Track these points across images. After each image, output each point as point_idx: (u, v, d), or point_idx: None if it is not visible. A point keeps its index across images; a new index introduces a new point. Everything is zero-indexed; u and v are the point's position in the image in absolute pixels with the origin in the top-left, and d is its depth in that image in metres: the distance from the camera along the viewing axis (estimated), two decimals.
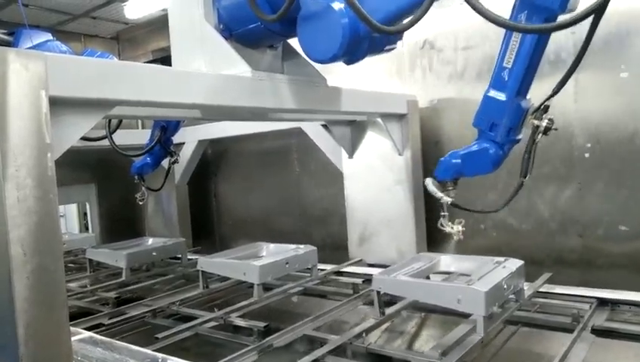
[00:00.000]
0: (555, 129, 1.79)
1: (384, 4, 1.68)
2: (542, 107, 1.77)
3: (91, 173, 4.42)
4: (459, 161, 1.96)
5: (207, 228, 4.61)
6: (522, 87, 1.77)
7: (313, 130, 3.45)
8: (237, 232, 4.58)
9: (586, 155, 2.67)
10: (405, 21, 1.61)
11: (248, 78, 1.81)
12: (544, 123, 1.76)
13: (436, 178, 2.03)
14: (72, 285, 3.17)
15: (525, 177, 1.88)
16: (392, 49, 2.06)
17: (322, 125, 3.33)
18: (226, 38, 1.92)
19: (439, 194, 2.00)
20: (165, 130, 3.25)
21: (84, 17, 4.31)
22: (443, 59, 3.11)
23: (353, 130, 3.18)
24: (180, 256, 3.59)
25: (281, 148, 4.17)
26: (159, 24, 4.52)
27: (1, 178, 1.15)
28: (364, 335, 1.98)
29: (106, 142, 3.08)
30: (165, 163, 3.59)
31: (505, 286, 1.97)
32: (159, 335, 2.04)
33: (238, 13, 1.92)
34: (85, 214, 4.79)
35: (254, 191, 4.44)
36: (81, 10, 4.18)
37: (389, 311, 2.16)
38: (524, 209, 2.88)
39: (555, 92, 1.76)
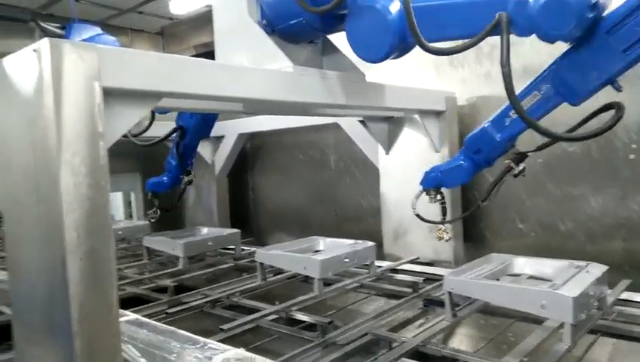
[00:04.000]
0: (524, 175, 2.04)
1: (441, 30, 1.71)
2: (523, 154, 2.01)
3: (136, 162, 4.57)
4: (439, 174, 2.26)
5: (244, 220, 4.70)
6: (516, 135, 1.96)
7: (350, 125, 3.47)
8: (273, 225, 4.66)
9: (631, 157, 2.59)
10: (455, 45, 1.63)
11: (290, 72, 1.84)
12: (517, 170, 2.02)
13: (422, 187, 2.32)
14: (128, 272, 3.24)
15: (483, 202, 2.18)
16: None
17: (359, 121, 3.34)
18: (268, 34, 1.96)
19: (413, 204, 2.32)
20: (183, 134, 3.16)
21: (131, 12, 4.47)
22: (483, 56, 3.06)
23: (390, 126, 3.18)
24: (233, 246, 3.62)
25: (317, 142, 4.21)
26: (202, 20, 4.64)
27: (58, 164, 1.21)
28: (437, 337, 1.94)
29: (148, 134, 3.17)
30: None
31: (591, 293, 1.88)
32: (224, 327, 2.04)
33: (281, 9, 1.95)
34: (130, 203, 4.95)
35: (290, 185, 4.50)
36: (129, 5, 4.33)
37: (460, 313, 2.10)
38: (566, 210, 2.81)
39: (540, 149, 2.00)
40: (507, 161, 2.03)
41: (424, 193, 2.33)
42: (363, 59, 1.87)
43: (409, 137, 3.11)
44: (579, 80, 1.63)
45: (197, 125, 3.13)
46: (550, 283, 1.93)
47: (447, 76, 3.22)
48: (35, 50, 1.23)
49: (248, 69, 1.80)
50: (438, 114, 2.88)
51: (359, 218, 3.95)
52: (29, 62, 1.26)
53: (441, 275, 2.68)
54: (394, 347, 1.87)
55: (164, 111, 2.59)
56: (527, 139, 2.00)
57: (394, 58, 1.87)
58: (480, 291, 2.03)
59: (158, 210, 3.57)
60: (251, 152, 4.79)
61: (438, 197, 2.34)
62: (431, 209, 2.40)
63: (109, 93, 1.31)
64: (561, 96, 1.71)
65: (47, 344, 1.34)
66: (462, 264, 3.03)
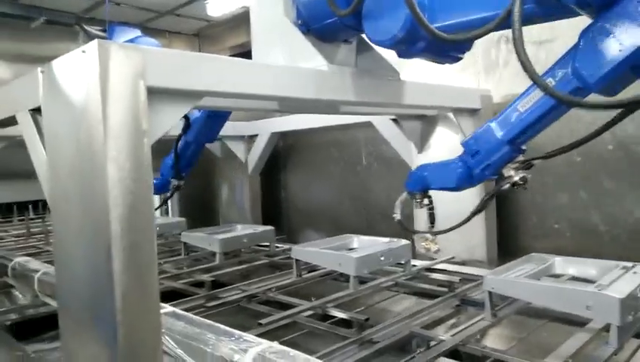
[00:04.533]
0: (525, 188, 1.79)
1: (455, 15, 1.62)
2: (526, 162, 1.78)
3: None
4: (425, 173, 2.05)
5: (275, 217, 4.75)
6: (521, 137, 1.74)
7: (383, 124, 3.46)
8: (304, 223, 4.69)
9: None
10: (470, 34, 1.52)
11: (326, 71, 1.86)
12: (517, 178, 1.77)
13: (406, 189, 2.12)
14: (166, 266, 3.32)
15: (476, 214, 1.98)
16: (459, 58, 1.97)
17: (392, 119, 3.33)
18: (304, 33, 1.99)
19: (396, 211, 2.15)
20: (186, 127, 3.07)
21: (169, 15, 4.58)
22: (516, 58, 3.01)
23: (423, 124, 3.16)
24: (267, 243, 3.68)
25: (349, 141, 4.22)
26: (237, 21, 4.72)
27: (104, 160, 1.26)
28: (478, 337, 1.91)
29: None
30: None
31: (638, 295, 1.82)
32: (262, 321, 2.08)
33: (317, 9, 1.97)
34: (166, 200, 5.08)
35: (321, 184, 4.53)
36: (167, 8, 4.44)
37: (500, 313, 2.07)
38: (604, 209, 2.74)
39: (548, 157, 1.77)
40: (508, 168, 1.79)
41: (409, 197, 2.12)
42: (377, 43, 1.82)
43: (442, 136, 3.09)
44: (598, 59, 1.39)
45: (201, 122, 3.04)
46: (596, 284, 1.88)
47: (482, 74, 3.18)
48: (84, 52, 1.29)
49: (286, 67, 1.83)
50: (473, 112, 2.85)
51: (389, 217, 3.93)
52: (78, 63, 1.32)
53: (477, 275, 2.66)
54: (432, 346, 1.85)
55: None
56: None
57: (403, 51, 1.80)
58: (522, 291, 1.98)
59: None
60: (283, 151, 4.84)
61: (425, 201, 2.13)
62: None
63: (153, 92, 1.35)
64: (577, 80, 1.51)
65: (92, 333, 1.40)
66: (495, 264, 3.01)
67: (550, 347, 1.79)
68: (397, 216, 2.16)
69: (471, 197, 2.96)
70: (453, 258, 3.05)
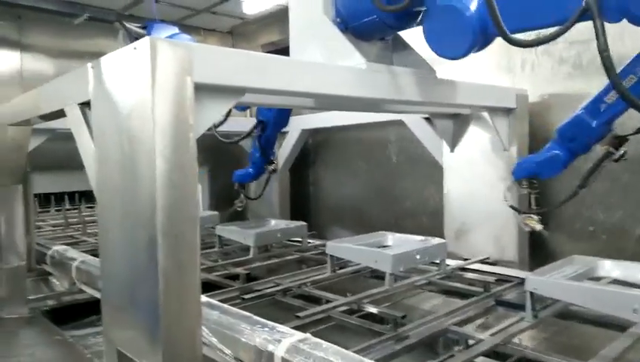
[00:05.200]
0: (625, 159, 1.98)
1: (524, 19, 1.68)
2: (622, 138, 1.95)
3: (204, 157, 4.76)
4: (533, 164, 2.28)
5: (303, 214, 4.78)
6: (612, 120, 1.95)
7: (414, 122, 3.46)
8: (331, 219, 4.72)
9: None
10: (541, 36, 1.59)
11: (364, 69, 1.88)
12: (618, 154, 1.96)
13: (513, 177, 2.36)
14: (200, 259, 3.41)
15: (581, 188, 2.13)
16: None
17: (424, 118, 3.33)
18: (342, 31, 2.01)
19: (506, 197, 2.40)
20: (264, 128, 3.39)
21: (205, 12, 4.66)
22: (556, 53, 2.97)
23: (456, 123, 3.15)
24: (300, 239, 3.74)
25: (378, 139, 4.22)
26: (270, 19, 4.76)
27: (153, 154, 1.30)
28: (520, 338, 1.90)
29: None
30: None
31: None
32: (300, 314, 2.12)
33: (355, 7, 2.00)
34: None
35: (350, 181, 4.54)
36: (204, 6, 4.52)
37: (541, 314, 2.06)
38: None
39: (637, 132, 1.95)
40: (605, 147, 2.01)
41: (516, 184, 2.37)
42: (444, 57, 1.87)
43: (475, 135, 3.07)
44: None
45: (276, 118, 3.33)
46: None
47: (518, 73, 3.15)
48: (135, 48, 1.34)
49: (325, 65, 1.85)
50: (508, 111, 2.83)
51: (418, 215, 3.94)
52: (129, 60, 1.37)
53: (512, 276, 2.65)
54: (471, 345, 1.84)
55: (243, 108, 2.76)
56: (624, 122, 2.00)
57: (475, 52, 1.86)
58: (566, 293, 1.97)
59: (245, 199, 3.88)
60: (313, 148, 4.87)
61: (528, 187, 2.35)
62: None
63: (199, 88, 1.39)
64: None
65: (133, 320, 1.45)
66: (526, 265, 2.98)
67: (592, 350, 1.76)
68: (508, 201, 2.45)
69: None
70: (487, 258, 3.02)
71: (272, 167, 3.66)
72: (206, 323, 1.66)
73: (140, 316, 1.42)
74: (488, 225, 3.04)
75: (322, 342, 1.46)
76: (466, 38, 1.75)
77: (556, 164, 2.17)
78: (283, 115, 3.38)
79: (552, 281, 2.01)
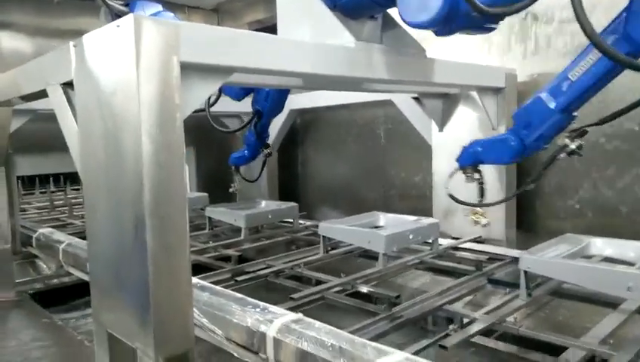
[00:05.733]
0: (580, 155, 1.82)
1: None
2: (580, 130, 1.80)
3: (190, 136, 4.70)
4: (479, 148, 2.09)
5: (292, 194, 4.79)
6: (574, 104, 1.77)
7: (404, 102, 3.45)
8: (321, 200, 4.72)
9: None
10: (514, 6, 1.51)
11: (353, 48, 1.86)
12: (573, 145, 1.79)
13: (458, 164, 2.17)
14: (190, 241, 3.37)
15: (532, 183, 2.00)
16: (492, 29, 1.92)
17: (413, 97, 3.32)
18: (330, 9, 1.97)
19: (446, 185, 2.20)
20: (260, 116, 3.40)
21: None
22: (546, 32, 2.96)
23: (445, 102, 3.14)
24: (291, 219, 3.73)
25: (368, 119, 4.21)
26: None
27: (139, 134, 1.28)
28: (515, 317, 1.90)
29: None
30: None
31: None
32: (294, 296, 2.12)
33: None
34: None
35: (339, 161, 4.53)
36: None
37: (535, 293, 2.07)
38: (628, 189, 2.72)
39: (601, 123, 1.78)
40: (563, 135, 1.85)
41: (459, 172, 2.18)
42: (409, 24, 1.77)
43: (464, 114, 3.07)
44: None
45: (271, 107, 3.33)
46: (638, 266, 1.89)
47: (507, 52, 3.14)
48: (118, 26, 1.30)
49: (315, 44, 1.81)
50: (496, 91, 2.83)
51: (408, 195, 3.95)
52: (112, 38, 1.33)
53: (503, 255, 2.68)
54: (466, 324, 1.85)
55: (238, 95, 2.74)
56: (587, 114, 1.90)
57: (439, 31, 1.77)
58: (560, 271, 1.97)
59: (239, 181, 3.91)
60: (301, 128, 4.84)
61: (476, 176, 2.20)
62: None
63: (185, 67, 1.36)
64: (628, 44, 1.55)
65: (123, 303, 1.44)
66: (514, 243, 3.02)
67: (585, 327, 1.79)
68: (447, 189, 2.23)
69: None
70: (479, 237, 3.04)
71: (267, 150, 3.66)
72: (196, 305, 1.67)
73: (129, 298, 1.41)
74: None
75: (314, 321, 1.47)
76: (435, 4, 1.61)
77: (504, 151, 1.96)
78: (280, 103, 3.36)
79: (546, 260, 2.02)
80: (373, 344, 1.29)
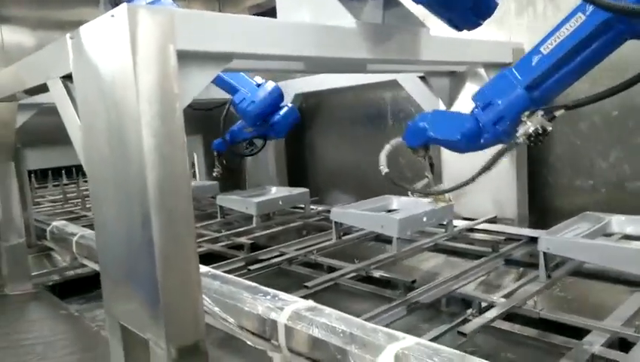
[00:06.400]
0: (541, 141, 1.54)
1: None
2: (549, 113, 1.53)
3: (198, 125, 4.72)
4: (425, 124, 1.84)
5: (301, 179, 4.77)
6: (545, 85, 1.51)
7: (409, 81, 3.38)
8: (330, 184, 4.70)
9: None
10: None
11: (353, 28, 1.81)
12: (532, 128, 1.50)
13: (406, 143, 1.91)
14: (203, 229, 3.38)
15: (484, 172, 1.79)
16: (478, 24, 1.85)
17: (419, 77, 3.25)
18: None
19: (381, 163, 1.94)
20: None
21: None
22: (555, 4, 2.87)
23: (452, 81, 3.08)
24: (303, 205, 3.72)
25: (374, 101, 4.15)
26: None
27: (139, 126, 1.26)
28: (535, 300, 1.82)
29: (212, 97, 3.33)
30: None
31: None
32: (308, 284, 2.10)
33: None
34: (193, 163, 5.15)
35: (347, 144, 4.49)
36: None
37: (554, 274, 2.01)
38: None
39: (573, 107, 1.53)
40: (525, 118, 1.56)
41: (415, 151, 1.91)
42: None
43: (471, 92, 2.98)
44: None
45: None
46: None
47: (514, 26, 3.06)
48: (112, 16, 1.28)
49: (313, 26, 1.77)
50: (504, 66, 2.75)
51: (416, 176, 3.90)
52: (107, 28, 1.31)
53: (519, 235, 2.63)
54: (485, 307, 1.81)
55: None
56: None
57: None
58: (580, 251, 1.89)
59: (220, 167, 3.95)
60: (307, 112, 4.79)
61: (424, 156, 1.99)
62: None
63: (183, 56, 1.34)
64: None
65: (133, 291, 1.45)
66: (526, 222, 2.98)
67: (609, 307, 1.74)
68: (384, 168, 2.02)
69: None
70: (494, 217, 2.98)
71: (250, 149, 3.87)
72: (208, 293, 1.67)
73: (139, 290, 1.42)
74: (487, 185, 3.01)
75: (325, 308, 1.47)
76: None
77: (452, 128, 1.71)
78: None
79: (566, 240, 1.95)
80: (385, 329, 1.28)
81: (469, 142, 1.71)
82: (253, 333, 1.58)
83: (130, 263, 1.44)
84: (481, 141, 1.70)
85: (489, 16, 1.83)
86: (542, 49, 1.52)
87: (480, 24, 1.83)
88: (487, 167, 1.83)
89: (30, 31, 4.19)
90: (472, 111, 1.71)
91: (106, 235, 1.56)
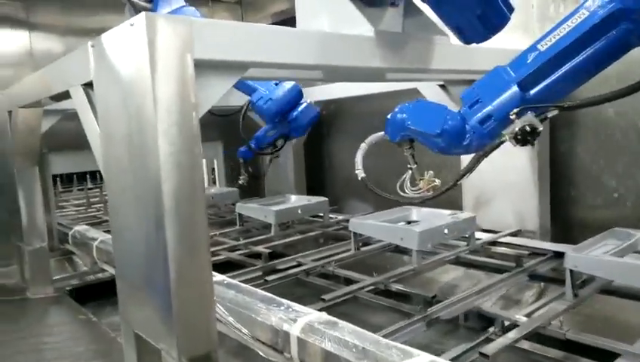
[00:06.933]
0: (530, 142, 1.43)
1: None
2: (540, 112, 1.43)
3: (219, 131, 4.75)
4: (404, 115, 1.72)
5: (320, 187, 4.75)
6: (540, 86, 1.42)
7: (429, 90, 3.34)
8: (348, 193, 4.67)
9: None
10: None
11: (372, 37, 1.80)
12: (520, 125, 1.39)
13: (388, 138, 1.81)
14: (221, 238, 3.38)
15: (465, 175, 1.68)
16: (485, 38, 1.80)
17: (439, 85, 3.21)
18: None
19: (358, 167, 1.82)
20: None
21: None
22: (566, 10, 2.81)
23: None
24: (321, 214, 3.69)
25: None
26: None
27: (156, 134, 1.27)
28: (561, 320, 1.75)
29: (231, 103, 3.35)
30: None
31: None
32: (325, 297, 2.06)
33: None
34: (213, 170, 5.19)
35: (366, 153, 4.45)
36: None
37: (581, 292, 1.93)
38: None
39: (568, 108, 1.43)
40: (512, 116, 1.44)
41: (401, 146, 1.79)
42: None
43: None
44: None
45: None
46: None
47: (537, 34, 3.00)
48: (132, 25, 1.29)
49: (331, 35, 1.76)
50: None
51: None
52: (126, 37, 1.32)
53: (544, 249, 2.54)
54: (508, 326, 1.75)
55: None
56: None
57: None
58: (609, 270, 1.81)
59: (246, 175, 3.97)
60: (327, 120, 4.79)
61: (413, 151, 1.87)
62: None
63: (200, 65, 1.34)
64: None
65: (147, 300, 1.45)
66: (548, 235, 2.90)
67: (632, 328, 1.70)
68: (360, 172, 1.89)
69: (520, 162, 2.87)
70: (519, 230, 2.90)
71: (276, 153, 3.93)
72: (222, 303, 1.67)
73: (153, 299, 1.42)
74: (508, 195, 2.96)
75: (339, 321, 1.44)
76: None
77: (433, 120, 1.59)
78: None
79: (595, 258, 1.87)
80: (399, 345, 1.25)
81: (451, 140, 1.60)
82: (265, 344, 1.56)
83: (145, 271, 1.45)
84: (465, 142, 1.59)
85: (500, 29, 1.75)
86: (539, 46, 1.44)
87: (490, 37, 1.76)
88: (469, 169, 1.73)
89: (58, 37, 4.29)
90: (460, 110, 1.61)
91: (122, 242, 1.57)
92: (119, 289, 1.62)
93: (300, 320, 1.48)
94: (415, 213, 2.89)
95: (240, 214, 3.64)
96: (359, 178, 1.98)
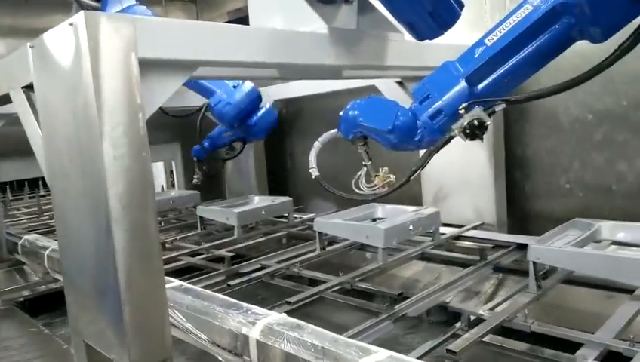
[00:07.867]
0: (479, 136, 1.45)
1: None
2: (488, 106, 1.44)
3: (176, 132, 4.65)
4: (356, 111, 1.73)
5: (282, 186, 4.73)
6: (488, 81, 1.44)
7: (387, 87, 3.37)
8: (312, 192, 4.66)
9: None
10: None
11: (325, 34, 1.79)
12: (468, 120, 1.40)
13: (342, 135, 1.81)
14: (183, 242, 3.28)
15: (417, 171, 1.68)
16: (438, 33, 1.83)
17: (397, 82, 3.24)
18: None
19: (312, 165, 1.89)
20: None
21: None
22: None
23: None
24: (286, 214, 3.62)
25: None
26: None
27: (100, 137, 1.21)
28: (526, 312, 1.76)
29: (189, 104, 3.28)
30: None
31: None
32: (291, 300, 2.02)
33: None
34: (172, 172, 5.07)
35: (328, 151, 4.44)
36: None
37: (545, 284, 1.93)
38: (618, 168, 2.67)
39: (514, 102, 1.47)
40: (461, 109, 1.45)
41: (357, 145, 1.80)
42: None
43: None
44: None
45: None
46: None
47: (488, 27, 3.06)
48: (71, 24, 1.23)
49: (283, 32, 1.74)
50: None
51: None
52: (67, 37, 1.26)
53: (508, 241, 2.57)
54: (473, 321, 1.76)
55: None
56: None
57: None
58: (571, 261, 1.83)
59: (200, 174, 3.89)
60: (288, 118, 4.76)
61: (367, 148, 1.86)
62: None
63: (146, 64, 1.30)
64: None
65: (98, 310, 1.39)
66: (505, 227, 2.97)
67: (602, 316, 1.68)
68: (314, 171, 1.93)
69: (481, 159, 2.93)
70: (482, 224, 2.93)
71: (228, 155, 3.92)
72: (180, 308, 1.62)
73: (103, 307, 1.36)
74: (466, 189, 3.01)
75: (297, 321, 1.42)
76: None
77: (384, 116, 1.59)
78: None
79: (557, 249, 1.89)
80: (358, 343, 1.25)
81: (402, 136, 1.61)
82: (225, 349, 1.53)
83: (94, 280, 1.39)
84: (416, 138, 1.61)
85: (451, 25, 1.79)
86: (486, 40, 1.46)
87: (441, 33, 1.79)
88: (421, 165, 1.73)
89: (1, 39, 4.09)
90: (411, 106, 1.62)
91: (70, 251, 1.51)
92: (68, 299, 1.55)
93: (259, 322, 1.45)
94: (380, 210, 2.89)
95: (201, 217, 3.57)
96: (313, 176, 1.96)
